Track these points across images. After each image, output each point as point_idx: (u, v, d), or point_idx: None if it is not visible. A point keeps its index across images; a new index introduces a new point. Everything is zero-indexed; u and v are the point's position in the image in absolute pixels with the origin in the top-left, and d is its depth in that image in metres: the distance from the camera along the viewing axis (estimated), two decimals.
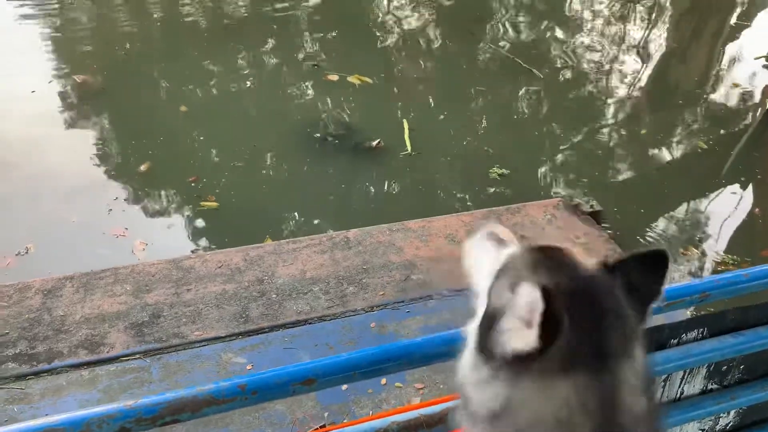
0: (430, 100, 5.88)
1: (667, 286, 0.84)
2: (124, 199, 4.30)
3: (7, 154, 4.60)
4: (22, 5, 7.09)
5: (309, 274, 3.03)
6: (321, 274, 3.06)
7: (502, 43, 6.94)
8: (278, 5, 7.45)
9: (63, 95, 5.52)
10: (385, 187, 4.69)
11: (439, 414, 1.39)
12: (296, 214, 4.41)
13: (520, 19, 7.63)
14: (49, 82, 5.67)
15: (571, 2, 8.08)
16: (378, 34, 7.19)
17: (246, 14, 7.43)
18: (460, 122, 5.49)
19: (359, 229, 3.45)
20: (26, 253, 3.51)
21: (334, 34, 7.06)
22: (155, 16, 7.31)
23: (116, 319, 2.64)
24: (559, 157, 5.22)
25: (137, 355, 2.48)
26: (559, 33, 7.29)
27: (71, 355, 2.46)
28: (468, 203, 4.49)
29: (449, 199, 4.54)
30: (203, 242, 4.06)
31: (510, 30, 7.33)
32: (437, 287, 3.03)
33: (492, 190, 4.62)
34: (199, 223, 4.20)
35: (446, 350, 1.34)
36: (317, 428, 2.03)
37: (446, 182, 4.72)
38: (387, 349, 1.29)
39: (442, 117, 5.56)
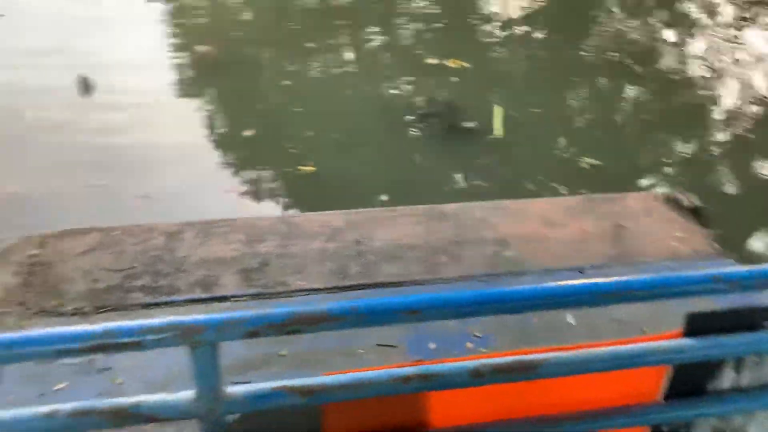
0: (525, 87, 5.92)
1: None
2: (231, 161, 4.66)
3: (138, 117, 5.07)
4: None
5: (404, 241, 3.19)
6: (415, 242, 3.21)
7: (605, 38, 6.82)
8: None
9: (184, 66, 5.95)
10: (476, 168, 4.80)
11: (528, 362, 1.48)
12: (389, 185, 4.60)
13: (627, 14, 7.44)
14: (170, 53, 6.12)
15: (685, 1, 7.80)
16: (479, 21, 7.23)
17: None
18: (554, 111, 5.51)
19: (455, 204, 3.57)
20: (149, 197, 4.05)
21: (436, 19, 7.17)
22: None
23: (229, 264, 2.91)
24: (655, 155, 5.14)
25: (245, 298, 2.73)
26: (668, 33, 7.07)
27: (189, 292, 2.74)
28: (558, 190, 4.52)
29: (538, 184, 4.60)
30: (301, 202, 4.35)
31: (615, 25, 7.18)
32: (528, 265, 3.10)
33: (582, 179, 4.62)
34: (297, 185, 4.51)
35: (544, 300, 1.43)
36: (415, 361, 2.17)
37: (536, 167, 4.78)
38: (488, 293, 1.40)
39: (535, 104, 5.60)
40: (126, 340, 1.19)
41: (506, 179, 4.71)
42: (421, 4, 7.52)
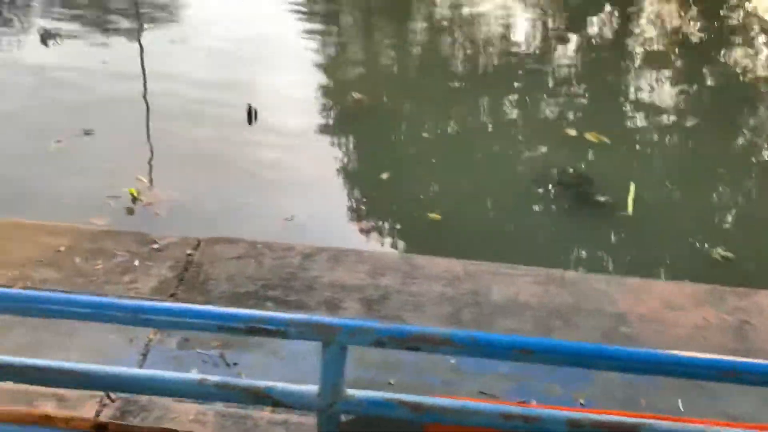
0: (665, 170, 5.82)
1: None
2: (366, 198, 5.00)
3: (289, 148, 5.58)
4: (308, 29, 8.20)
5: (521, 299, 3.26)
6: (532, 301, 3.27)
7: (758, 133, 6.58)
8: (531, 61, 7.83)
9: (338, 108, 6.45)
10: (601, 242, 4.78)
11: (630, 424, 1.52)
12: (510, 244, 4.70)
13: None
14: (327, 95, 6.65)
15: None
16: (627, 99, 7.21)
17: (499, 64, 7.90)
18: (692, 198, 5.38)
19: (575, 272, 3.60)
20: (291, 219, 4.46)
21: (582, 92, 7.23)
22: (420, 57, 8.12)
23: (353, 291, 3.14)
24: None
25: None
26: None
27: (315, 309, 2.98)
28: (683, 277, 4.38)
29: (664, 268, 4.49)
30: (423, 246, 4.55)
31: None
32: (643, 344, 3.06)
33: (711, 270, 4.46)
34: (422, 229, 4.73)
35: (659, 366, 1.46)
36: (519, 401, 2.25)
37: (663, 251, 4.68)
38: (601, 348, 1.47)
39: (673, 188, 5.50)
40: (273, 327, 1.39)
41: (630, 258, 4.64)
42: (569, 76, 7.62)
